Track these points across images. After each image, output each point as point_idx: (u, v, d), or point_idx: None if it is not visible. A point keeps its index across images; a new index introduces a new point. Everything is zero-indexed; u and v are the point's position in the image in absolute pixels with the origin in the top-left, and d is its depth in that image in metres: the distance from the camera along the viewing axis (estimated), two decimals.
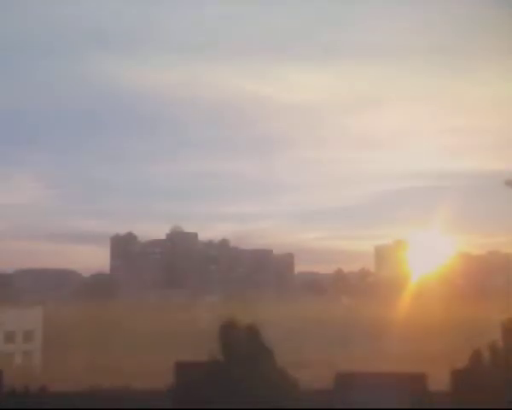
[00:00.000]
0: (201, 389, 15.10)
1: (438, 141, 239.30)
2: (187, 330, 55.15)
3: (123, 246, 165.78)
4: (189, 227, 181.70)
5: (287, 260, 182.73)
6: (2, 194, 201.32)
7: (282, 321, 60.15)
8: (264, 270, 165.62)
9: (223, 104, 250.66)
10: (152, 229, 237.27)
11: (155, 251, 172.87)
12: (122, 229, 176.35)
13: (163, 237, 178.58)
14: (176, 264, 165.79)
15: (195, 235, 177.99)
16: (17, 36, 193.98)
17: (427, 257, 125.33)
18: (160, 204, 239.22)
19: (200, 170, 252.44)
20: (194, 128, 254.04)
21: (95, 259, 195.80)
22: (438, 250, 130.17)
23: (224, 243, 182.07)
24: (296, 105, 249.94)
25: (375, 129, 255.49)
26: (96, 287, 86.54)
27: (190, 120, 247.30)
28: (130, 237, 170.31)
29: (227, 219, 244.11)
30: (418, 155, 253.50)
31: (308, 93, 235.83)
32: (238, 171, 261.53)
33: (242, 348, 15.42)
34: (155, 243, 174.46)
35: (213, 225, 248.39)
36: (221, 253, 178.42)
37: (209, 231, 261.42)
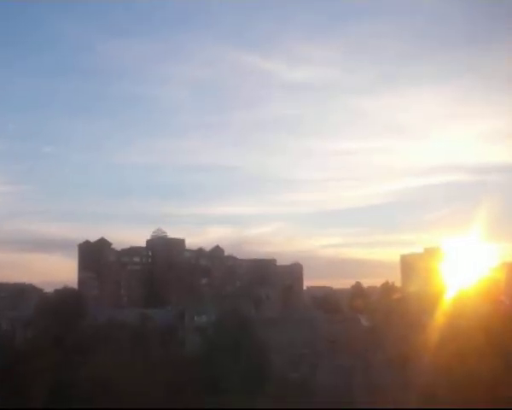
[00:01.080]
0: None
1: (476, 127, 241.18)
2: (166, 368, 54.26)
3: (94, 255, 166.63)
4: (174, 232, 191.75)
5: (293, 271, 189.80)
6: None
7: (288, 347, 60.01)
8: (265, 284, 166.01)
9: (214, 81, 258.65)
10: (129, 234, 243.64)
11: (133, 261, 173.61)
12: (93, 234, 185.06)
13: (143, 243, 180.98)
14: (158, 277, 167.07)
15: (182, 241, 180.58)
16: None
17: (465, 268, 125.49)
18: (140, 204, 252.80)
19: (188, 162, 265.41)
20: (179, 110, 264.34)
21: (59, 271, 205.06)
22: (478, 260, 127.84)
23: (217, 252, 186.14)
24: (302, 83, 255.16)
25: (398, 113, 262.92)
26: (61, 305, 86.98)
27: (175, 99, 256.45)
28: (102, 245, 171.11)
29: (221, 221, 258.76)
30: (452, 144, 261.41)
31: (316, 69, 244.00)
32: (234, 163, 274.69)
33: None
34: (133, 251, 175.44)
35: (204, 229, 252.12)
36: (213, 263, 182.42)
37: (199, 237, 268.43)
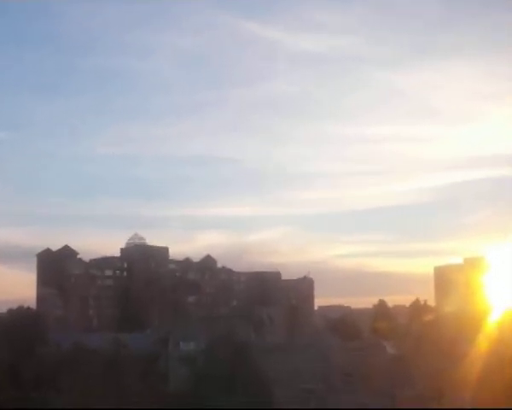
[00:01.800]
0: None
1: None
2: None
3: (56, 267, 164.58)
4: (155, 239, 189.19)
5: (303, 288, 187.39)
6: None
7: (294, 380, 59.90)
8: (268, 303, 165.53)
9: (206, 53, 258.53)
10: (100, 241, 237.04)
11: (105, 274, 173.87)
12: (55, 241, 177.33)
13: (116, 253, 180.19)
14: (136, 294, 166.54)
15: (165, 250, 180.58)
16: None
17: None
18: (113, 204, 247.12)
19: (173, 153, 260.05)
20: (162, 88, 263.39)
21: (13, 286, 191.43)
22: None
23: (208, 263, 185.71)
24: (314, 55, 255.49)
25: (433, 92, 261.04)
26: (16, 329, 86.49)
27: (158, 74, 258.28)
28: (66, 254, 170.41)
29: (213, 225, 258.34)
30: (500, 130, 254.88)
31: (331, 38, 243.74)
32: (230, 154, 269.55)
33: None
34: (105, 262, 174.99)
35: (193, 235, 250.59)
36: (204, 277, 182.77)
37: (186, 245, 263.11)
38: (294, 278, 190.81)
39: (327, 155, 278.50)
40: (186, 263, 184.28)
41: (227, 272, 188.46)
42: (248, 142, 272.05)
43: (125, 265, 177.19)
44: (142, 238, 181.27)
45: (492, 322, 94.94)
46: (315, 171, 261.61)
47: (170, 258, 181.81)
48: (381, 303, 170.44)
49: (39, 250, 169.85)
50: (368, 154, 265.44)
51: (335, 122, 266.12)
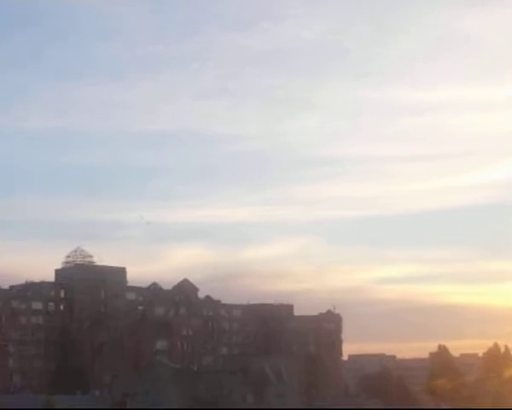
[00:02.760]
0: None
1: None
2: None
3: None
4: (106, 255, 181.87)
5: (326, 328, 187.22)
6: None
7: None
8: (274, 350, 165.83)
9: None
10: (26, 260, 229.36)
11: (33, 308, 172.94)
12: None
13: (50, 277, 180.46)
14: (78, 337, 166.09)
15: (121, 272, 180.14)
16: None
17: None
18: (41, 204, 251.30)
19: (129, 127, 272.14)
20: (115, 35, 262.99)
21: None
22: None
23: (185, 291, 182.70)
24: None
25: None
26: None
27: (108, 16, 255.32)
28: None
29: (193, 235, 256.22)
30: None
31: None
32: (216, 130, 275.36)
33: None
34: (33, 289, 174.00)
35: (162, 249, 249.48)
36: (178, 312, 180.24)
37: (152, 264, 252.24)
38: (313, 313, 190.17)
39: (362, 130, 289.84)
40: (152, 291, 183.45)
41: (213, 304, 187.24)
42: (242, 112, 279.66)
43: (62, 294, 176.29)
44: (86, 255, 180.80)
45: None
46: (344, 155, 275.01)
47: (128, 284, 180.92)
48: (442, 351, 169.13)
49: None
50: (424, 129, 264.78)
51: (373, 82, 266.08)
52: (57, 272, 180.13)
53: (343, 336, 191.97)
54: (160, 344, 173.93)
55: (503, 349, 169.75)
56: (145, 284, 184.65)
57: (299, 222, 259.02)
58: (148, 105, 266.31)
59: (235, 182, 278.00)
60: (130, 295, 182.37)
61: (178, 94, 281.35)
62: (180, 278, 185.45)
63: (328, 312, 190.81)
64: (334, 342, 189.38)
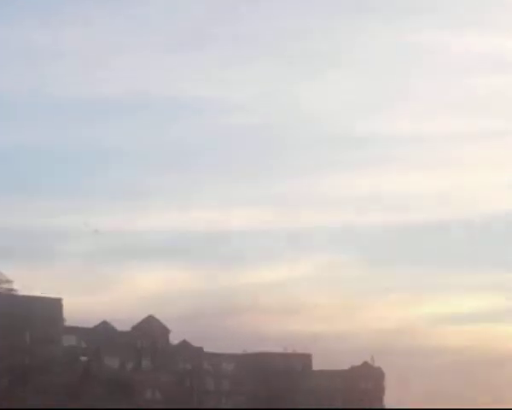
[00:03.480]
0: None
1: None
2: None
3: None
4: (34, 281, 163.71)
5: (360, 388, 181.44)
6: None
7: None
8: None
9: None
10: None
11: None
12: None
13: None
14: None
15: (56, 304, 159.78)
16: None
17: None
18: None
19: (64, 91, 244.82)
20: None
21: None
22: None
23: (150, 332, 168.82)
24: None
25: None
26: None
27: None
28: None
29: (161, 248, 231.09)
30: None
31: None
32: (200, 93, 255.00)
33: None
34: None
35: (116, 269, 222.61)
36: (141, 366, 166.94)
37: (103, 293, 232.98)
38: (342, 367, 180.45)
39: (415, 96, 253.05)
40: (101, 334, 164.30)
41: (192, 353, 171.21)
42: (238, 67, 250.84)
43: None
44: (4, 280, 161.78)
45: None
46: (388, 132, 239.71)
47: (66, 323, 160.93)
48: None
49: None
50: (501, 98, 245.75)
51: (435, 24, 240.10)
52: None
53: (385, 399, 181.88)
54: None
55: None
56: (91, 323, 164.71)
57: (320, 231, 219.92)
58: (89, 58, 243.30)
59: (226, 172, 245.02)
60: (69, 340, 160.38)
61: (136, 43, 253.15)
62: (143, 315, 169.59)
63: (365, 364, 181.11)
64: (374, 405, 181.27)
